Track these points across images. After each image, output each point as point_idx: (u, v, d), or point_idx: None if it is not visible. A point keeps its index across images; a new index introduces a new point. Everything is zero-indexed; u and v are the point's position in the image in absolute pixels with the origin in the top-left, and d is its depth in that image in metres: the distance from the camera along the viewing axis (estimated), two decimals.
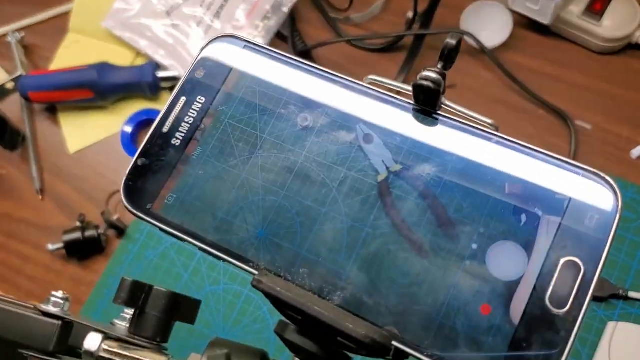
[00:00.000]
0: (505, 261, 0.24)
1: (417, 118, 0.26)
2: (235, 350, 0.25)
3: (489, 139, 0.25)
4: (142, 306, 0.27)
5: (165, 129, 0.27)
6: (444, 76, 0.25)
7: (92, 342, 0.27)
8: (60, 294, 0.29)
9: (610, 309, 0.62)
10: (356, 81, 0.27)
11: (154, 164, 0.27)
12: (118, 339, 0.27)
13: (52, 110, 0.79)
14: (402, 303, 0.23)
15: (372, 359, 0.25)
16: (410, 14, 0.70)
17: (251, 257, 0.25)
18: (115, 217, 0.71)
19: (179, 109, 0.28)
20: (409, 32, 0.72)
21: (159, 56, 0.75)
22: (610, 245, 0.23)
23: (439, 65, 0.25)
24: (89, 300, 0.69)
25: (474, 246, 0.24)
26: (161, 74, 0.75)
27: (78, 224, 0.71)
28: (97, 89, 0.74)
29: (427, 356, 0.23)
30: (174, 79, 0.75)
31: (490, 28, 0.72)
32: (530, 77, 0.71)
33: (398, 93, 0.27)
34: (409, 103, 0.26)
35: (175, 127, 0.28)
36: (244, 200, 0.26)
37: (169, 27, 0.76)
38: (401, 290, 0.24)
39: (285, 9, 0.74)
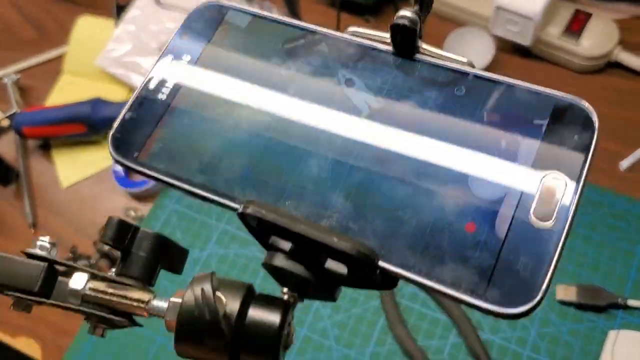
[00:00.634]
0: (488, 182, 0.24)
1: (395, 61, 0.27)
2: (220, 282, 0.25)
3: (466, 74, 0.26)
4: (128, 246, 0.27)
5: (151, 85, 0.28)
6: (419, 17, 0.26)
7: (78, 280, 0.26)
8: (47, 238, 0.28)
9: (610, 319, 0.61)
10: (337, 33, 0.28)
11: (140, 116, 0.27)
12: (104, 279, 0.27)
13: (45, 146, 0.80)
14: (387, 227, 0.23)
15: (360, 289, 0.24)
16: None
17: (237, 195, 0.25)
18: (107, 248, 0.71)
19: (165, 67, 0.29)
20: None
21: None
22: (591, 160, 0.23)
23: (415, 8, 0.26)
24: (80, 332, 0.68)
25: (456, 170, 0.24)
26: None
27: (70, 255, 0.71)
28: (90, 123, 0.75)
29: (414, 274, 0.23)
30: None
31: (472, 53, 0.74)
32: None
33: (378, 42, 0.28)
34: (389, 50, 0.27)
35: (161, 83, 0.28)
36: (228, 144, 0.26)
37: None
38: (386, 215, 0.24)
39: None
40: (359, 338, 0.64)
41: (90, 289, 0.26)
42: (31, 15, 0.92)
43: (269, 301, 0.25)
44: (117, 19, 0.83)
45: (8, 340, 0.70)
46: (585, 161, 0.23)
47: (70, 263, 0.27)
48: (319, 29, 0.28)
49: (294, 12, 0.75)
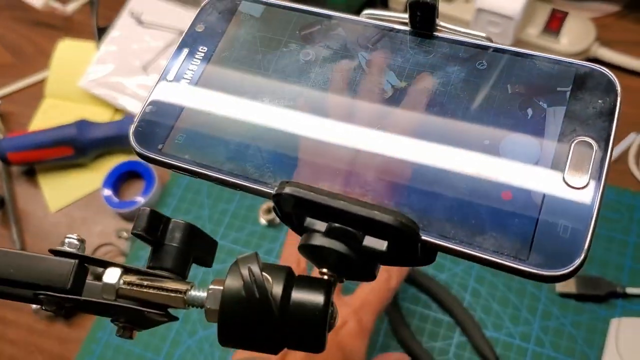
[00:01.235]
0: (518, 151, 0.24)
1: (415, 40, 0.27)
2: (262, 265, 0.24)
3: (486, 48, 0.26)
4: (161, 237, 0.27)
5: (170, 77, 0.28)
6: None
7: (112, 274, 0.26)
8: (75, 236, 0.28)
9: (611, 308, 0.62)
10: (353, 17, 0.28)
11: (161, 108, 0.27)
12: (137, 272, 0.26)
13: (30, 172, 0.78)
14: (423, 201, 0.24)
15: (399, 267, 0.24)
16: None
17: (267, 179, 0.25)
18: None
19: (182, 59, 0.28)
20: None
21: (137, 109, 0.76)
22: (617, 122, 0.24)
23: None
24: (77, 358, 0.66)
25: (486, 142, 0.24)
26: None
27: None
28: (77, 145, 0.74)
29: (455, 244, 0.23)
30: None
31: None
32: None
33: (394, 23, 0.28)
34: (406, 29, 0.28)
35: (179, 74, 0.28)
36: (254, 130, 0.26)
37: (146, 81, 0.77)
38: (420, 189, 0.24)
39: None
40: None
41: (124, 282, 0.26)
42: (8, 41, 0.91)
43: (310, 282, 0.25)
44: (99, 40, 0.82)
45: None
46: (611, 123, 0.24)
47: (102, 258, 0.26)
48: (334, 13, 0.28)
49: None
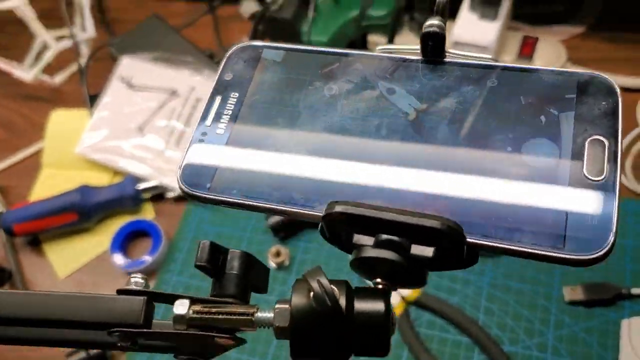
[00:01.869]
0: (539, 154, 0.27)
1: (428, 67, 0.30)
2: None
3: (495, 67, 0.29)
4: (222, 266, 0.28)
5: (207, 123, 0.30)
6: (444, 23, 0.29)
7: (181, 306, 0.27)
8: (139, 275, 0.29)
9: (619, 310, 0.64)
10: (369, 52, 0.31)
11: (203, 152, 0.29)
12: (204, 300, 0.27)
13: (34, 242, 0.79)
14: (460, 207, 0.26)
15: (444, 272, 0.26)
16: None
17: (312, 204, 0.27)
18: None
19: (216, 105, 0.31)
20: None
21: (137, 169, 0.78)
22: (622, 119, 0.27)
23: (438, 17, 0.29)
24: None
25: (509, 149, 0.27)
26: (142, 185, 0.77)
27: None
28: (81, 210, 0.75)
29: (497, 242, 0.25)
30: (156, 188, 0.78)
31: None
32: None
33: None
34: (419, 58, 0.30)
35: (216, 119, 0.30)
36: (293, 162, 0.28)
37: (143, 141, 0.79)
38: (455, 196, 0.26)
39: None
40: None
41: (194, 311, 0.27)
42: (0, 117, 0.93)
43: (368, 292, 0.27)
44: (91, 107, 0.84)
45: None
46: (616, 120, 0.26)
47: (168, 292, 0.28)
48: (351, 51, 0.31)
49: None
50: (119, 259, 0.74)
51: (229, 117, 0.30)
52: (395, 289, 0.27)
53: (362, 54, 0.31)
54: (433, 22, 0.29)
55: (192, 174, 0.29)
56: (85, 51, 0.91)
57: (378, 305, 0.26)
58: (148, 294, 0.28)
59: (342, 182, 0.27)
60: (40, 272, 0.77)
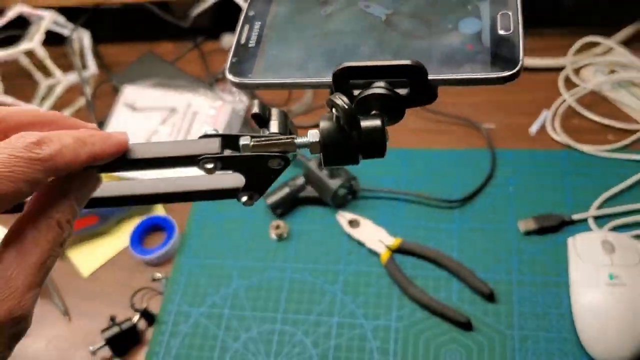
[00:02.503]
0: (469, 23, 0.41)
1: None
2: None
3: None
4: (268, 117, 0.40)
5: (242, 41, 0.43)
6: None
7: (245, 139, 0.39)
8: (210, 127, 0.41)
9: (565, 234, 0.77)
10: None
11: (242, 56, 0.43)
12: (259, 136, 0.39)
13: None
14: (422, 59, 0.39)
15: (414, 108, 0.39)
16: None
17: (325, 74, 0.40)
18: (144, 306, 0.80)
19: (245, 32, 0.44)
20: None
21: (147, 175, 0.90)
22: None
23: None
24: None
25: (450, 26, 0.41)
26: None
27: (111, 322, 0.78)
28: (101, 213, 0.86)
29: (449, 76, 0.38)
30: None
31: None
32: (439, 104, 0.92)
33: None
34: None
35: (247, 38, 0.44)
36: (304, 53, 0.42)
37: None
38: (417, 49, 0.40)
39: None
40: (382, 309, 0.76)
41: (254, 140, 0.39)
42: None
43: (369, 117, 0.39)
44: None
45: None
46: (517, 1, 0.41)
47: (231, 134, 0.39)
48: None
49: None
50: (138, 250, 0.85)
51: (256, 35, 0.44)
52: (385, 118, 0.40)
53: None
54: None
55: (237, 69, 0.42)
56: (88, 90, 1.04)
57: (377, 122, 0.39)
58: (221, 135, 0.40)
59: (340, 59, 0.41)
60: (66, 273, 0.87)
